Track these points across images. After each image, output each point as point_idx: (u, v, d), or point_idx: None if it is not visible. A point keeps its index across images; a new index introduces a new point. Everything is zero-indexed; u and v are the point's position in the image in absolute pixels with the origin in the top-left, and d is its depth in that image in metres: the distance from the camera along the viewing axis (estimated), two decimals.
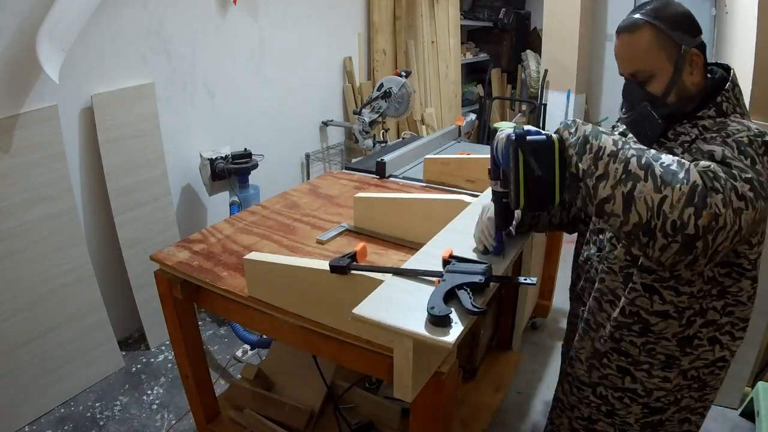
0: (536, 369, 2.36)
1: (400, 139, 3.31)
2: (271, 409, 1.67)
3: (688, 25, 0.97)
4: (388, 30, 3.84)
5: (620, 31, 1.00)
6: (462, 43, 4.51)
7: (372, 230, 1.56)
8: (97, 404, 2.15)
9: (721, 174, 0.80)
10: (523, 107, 4.82)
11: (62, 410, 2.11)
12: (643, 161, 0.81)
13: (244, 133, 2.92)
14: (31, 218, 1.99)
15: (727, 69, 1.04)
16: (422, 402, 1.06)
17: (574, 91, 4.14)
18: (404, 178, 2.14)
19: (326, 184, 2.04)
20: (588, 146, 0.87)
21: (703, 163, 0.83)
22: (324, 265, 1.09)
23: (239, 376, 1.90)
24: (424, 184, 2.02)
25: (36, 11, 1.87)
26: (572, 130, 0.90)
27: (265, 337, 2.25)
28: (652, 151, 0.84)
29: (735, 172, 0.81)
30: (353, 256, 1.09)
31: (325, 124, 3.52)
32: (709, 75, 1.03)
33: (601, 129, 0.90)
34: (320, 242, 1.51)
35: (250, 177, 2.67)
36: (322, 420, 1.68)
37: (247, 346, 2.44)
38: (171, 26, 2.45)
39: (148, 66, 2.40)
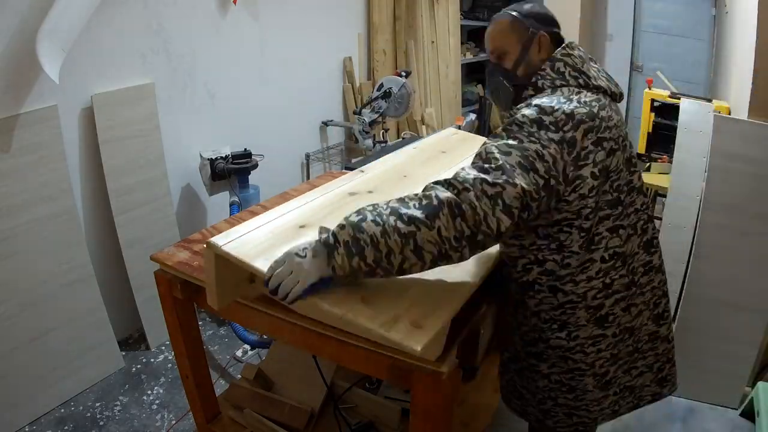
0: None
1: (400, 139, 3.32)
2: (271, 409, 1.67)
3: (541, 17, 1.21)
4: (388, 30, 3.84)
5: (491, 21, 1.24)
6: (462, 43, 4.51)
7: None
8: (97, 404, 2.15)
9: (469, 174, 0.96)
10: None
11: (62, 410, 2.11)
12: (405, 218, 0.93)
13: (244, 133, 2.92)
14: (31, 218, 1.99)
15: (568, 49, 1.18)
16: (422, 402, 1.06)
17: None
18: None
19: (326, 184, 2.04)
20: (361, 242, 0.94)
21: (455, 169, 0.99)
22: None
23: (239, 376, 1.90)
24: None
25: (36, 11, 1.87)
26: (333, 244, 0.96)
27: (265, 337, 2.25)
28: (403, 198, 0.97)
29: (488, 165, 0.97)
30: None
31: (325, 124, 3.52)
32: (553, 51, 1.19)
33: (350, 219, 0.96)
34: None
35: (250, 177, 2.67)
36: (322, 420, 1.68)
37: (247, 346, 2.44)
38: (171, 26, 2.45)
39: (148, 66, 2.40)
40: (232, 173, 2.60)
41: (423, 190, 0.98)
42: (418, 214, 0.93)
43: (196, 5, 2.55)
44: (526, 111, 1.05)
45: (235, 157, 2.62)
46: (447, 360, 1.03)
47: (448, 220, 0.93)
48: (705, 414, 2.14)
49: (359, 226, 0.94)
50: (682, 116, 2.46)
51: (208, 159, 2.59)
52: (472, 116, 4.61)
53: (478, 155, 1.02)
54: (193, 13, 2.55)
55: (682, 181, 2.44)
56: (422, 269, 0.97)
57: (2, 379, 1.95)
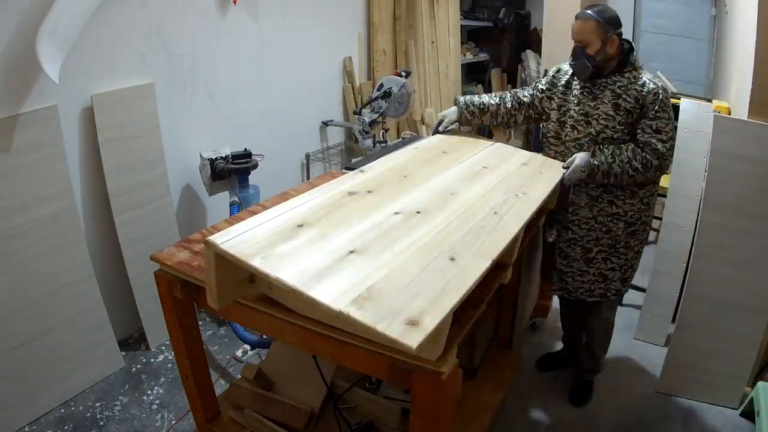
0: (536, 369, 2.36)
1: (400, 139, 3.31)
2: (271, 409, 1.67)
3: (614, 22, 1.77)
4: (388, 30, 3.84)
5: (578, 17, 1.80)
6: (462, 43, 4.51)
7: None
8: (97, 404, 2.15)
9: (663, 149, 1.77)
10: None
11: (62, 410, 2.11)
12: (631, 169, 1.79)
13: (244, 133, 2.92)
14: (31, 218, 1.99)
15: (630, 44, 1.84)
16: (422, 402, 1.06)
17: None
18: None
19: (326, 183, 2.04)
20: (603, 169, 1.82)
21: (652, 143, 1.77)
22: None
23: (239, 376, 1.90)
24: None
25: (36, 11, 1.87)
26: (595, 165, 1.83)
27: (265, 337, 2.25)
28: (635, 152, 1.79)
29: (664, 137, 1.77)
30: None
31: (325, 124, 3.52)
32: (623, 46, 1.83)
33: (607, 159, 1.80)
34: None
35: (250, 177, 2.67)
36: (322, 420, 1.68)
37: (247, 346, 2.44)
38: (171, 26, 2.45)
39: (148, 66, 2.40)
40: (232, 173, 2.60)
41: (643, 150, 1.77)
42: (639, 167, 1.76)
43: (196, 5, 2.55)
44: (661, 93, 1.75)
45: (235, 157, 2.62)
46: (447, 360, 1.04)
47: (655, 172, 1.79)
48: (705, 414, 2.14)
49: (612, 167, 1.78)
50: (682, 116, 2.46)
51: (208, 159, 2.59)
52: None
53: (651, 128, 1.76)
54: (193, 13, 2.55)
55: (682, 181, 2.43)
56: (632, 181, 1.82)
57: (2, 379, 1.95)
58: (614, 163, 1.77)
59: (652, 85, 1.76)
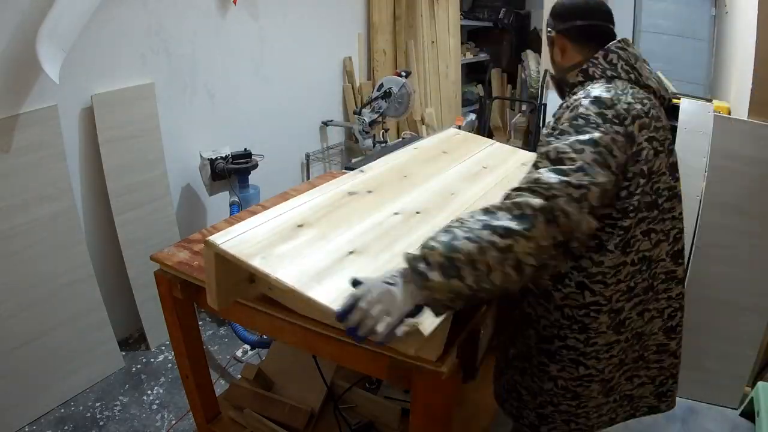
0: None
1: (400, 139, 3.31)
2: (271, 409, 1.67)
3: (561, 12, 1.18)
4: (388, 30, 3.84)
5: None
6: (462, 43, 4.51)
7: None
8: (97, 404, 2.15)
9: (550, 178, 0.91)
10: (523, 107, 4.82)
11: (62, 410, 2.11)
12: (501, 231, 0.87)
13: (244, 133, 2.92)
14: (31, 218, 1.99)
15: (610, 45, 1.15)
16: (422, 402, 1.06)
17: None
18: None
19: (326, 183, 2.04)
20: (457, 262, 0.86)
21: (535, 176, 0.94)
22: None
23: (239, 376, 1.90)
24: None
25: (36, 11, 1.87)
26: (425, 267, 0.87)
27: (265, 337, 2.25)
28: (488, 209, 0.92)
29: (566, 167, 0.93)
30: None
31: (325, 124, 3.52)
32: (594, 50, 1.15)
33: (439, 239, 0.89)
34: None
35: (250, 177, 2.67)
36: (322, 420, 1.68)
37: (247, 346, 2.44)
38: (171, 26, 2.45)
39: (148, 66, 2.40)
40: (232, 173, 2.60)
41: (507, 199, 0.93)
42: (513, 225, 0.87)
43: (196, 5, 2.55)
44: (586, 102, 1.02)
45: (235, 157, 2.62)
46: (447, 360, 1.03)
47: (545, 227, 0.87)
48: (705, 414, 2.14)
49: (452, 246, 0.86)
50: (682, 116, 2.45)
51: (208, 159, 2.59)
52: (472, 116, 4.61)
53: (546, 156, 0.97)
54: (193, 14, 2.55)
55: (682, 181, 2.43)
56: (521, 284, 0.90)
57: (2, 379, 1.95)
58: (456, 240, 0.88)
59: (581, 94, 1.06)
